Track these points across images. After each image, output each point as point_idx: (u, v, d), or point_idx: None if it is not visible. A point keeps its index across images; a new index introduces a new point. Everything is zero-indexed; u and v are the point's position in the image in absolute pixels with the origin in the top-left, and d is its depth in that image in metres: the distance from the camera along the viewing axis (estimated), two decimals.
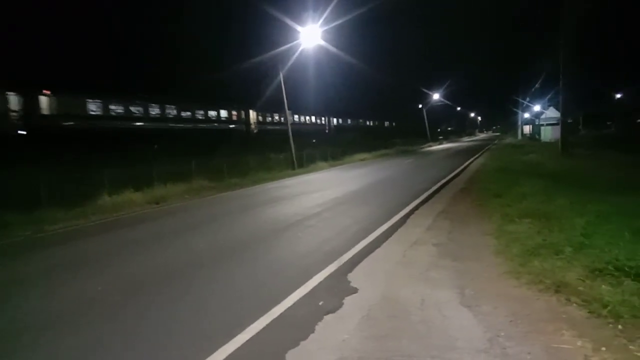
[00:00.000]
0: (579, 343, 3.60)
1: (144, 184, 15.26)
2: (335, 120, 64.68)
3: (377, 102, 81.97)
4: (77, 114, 28.15)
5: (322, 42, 23.69)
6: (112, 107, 30.85)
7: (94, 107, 29.63)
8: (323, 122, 61.62)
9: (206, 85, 38.63)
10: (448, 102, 79.37)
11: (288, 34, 22.97)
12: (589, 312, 4.11)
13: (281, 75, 25.29)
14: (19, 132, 24.97)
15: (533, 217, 7.76)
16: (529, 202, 9.06)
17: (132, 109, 32.32)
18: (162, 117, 35.09)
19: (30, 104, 25.80)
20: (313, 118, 58.97)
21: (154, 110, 34.47)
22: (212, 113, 40.42)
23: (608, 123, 58.63)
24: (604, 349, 3.47)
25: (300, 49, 23.61)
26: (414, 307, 4.58)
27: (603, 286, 4.48)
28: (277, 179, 20.86)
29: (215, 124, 40.21)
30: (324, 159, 29.69)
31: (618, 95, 66.60)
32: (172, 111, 36.17)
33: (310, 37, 22.90)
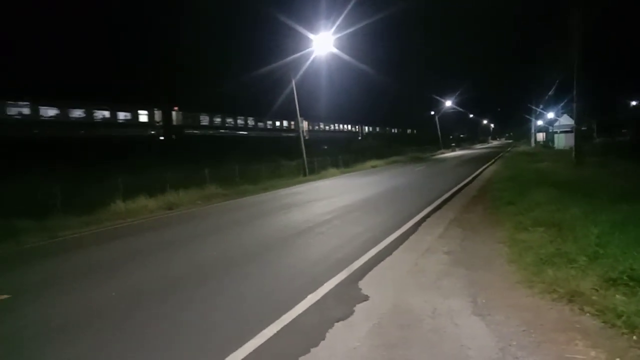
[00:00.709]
0: (593, 353, 3.56)
1: (157, 191, 15.49)
2: (367, 128, 70.42)
3: (391, 110, 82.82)
4: (193, 125, 40.12)
5: (335, 50, 23.84)
6: (214, 119, 43.14)
7: (202, 119, 41.59)
8: (356, 129, 71.16)
9: (224, 94, 40.24)
10: (460, 109, 79.48)
11: (301, 43, 23.18)
12: (603, 322, 4.05)
13: (293, 83, 25.41)
14: (160, 137, 35.73)
15: (546, 226, 7.69)
16: (542, 210, 8.97)
17: (225, 120, 44.81)
18: (245, 127, 46.71)
19: (166, 117, 36.64)
20: (348, 126, 69.78)
21: (239, 121, 46.57)
22: (277, 123, 52.18)
23: (623, 131, 57.85)
24: (618, 359, 3.42)
25: (312, 56, 23.75)
26: (426, 316, 4.56)
27: (617, 296, 4.42)
28: (288, 186, 20.92)
29: (280, 132, 51.80)
30: (336, 165, 29.72)
31: (633, 103, 65.80)
32: (250, 122, 47.21)
33: (323, 44, 23.05)
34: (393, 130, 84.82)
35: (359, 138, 67.79)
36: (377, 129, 78.10)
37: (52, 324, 4.98)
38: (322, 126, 59.93)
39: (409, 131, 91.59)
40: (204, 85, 42.22)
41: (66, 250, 9.33)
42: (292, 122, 51.02)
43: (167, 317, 4.99)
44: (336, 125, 65.27)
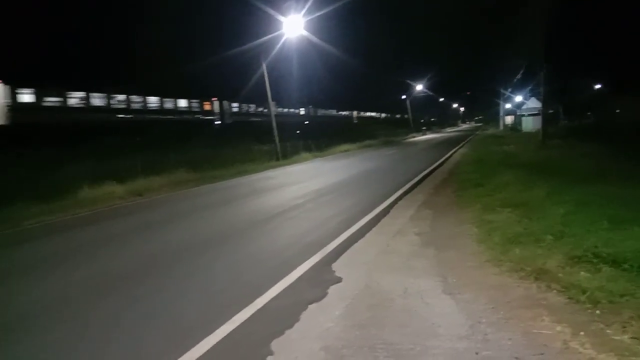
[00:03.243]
0: (558, 328, 3.67)
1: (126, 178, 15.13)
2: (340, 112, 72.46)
3: (363, 94, 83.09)
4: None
5: (305, 33, 23.59)
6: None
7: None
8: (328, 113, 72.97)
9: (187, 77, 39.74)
10: (431, 93, 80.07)
11: (271, 25, 22.83)
12: (568, 298, 4.17)
13: (264, 66, 25.08)
14: None
15: (513, 206, 7.85)
16: (509, 191, 9.16)
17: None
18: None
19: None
20: (321, 110, 72.11)
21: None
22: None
23: (588, 113, 59.39)
24: (582, 333, 3.53)
25: (283, 39, 23.43)
26: (397, 296, 4.61)
27: (582, 273, 4.56)
28: (260, 171, 20.79)
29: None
30: (308, 150, 29.67)
31: (598, 86, 67.47)
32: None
33: (294, 27, 22.74)
34: (365, 114, 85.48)
35: (354, 122, 69.27)
36: (350, 112, 78.58)
37: (16, 313, 4.85)
38: (294, 110, 60.13)
39: (381, 115, 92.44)
40: (167, 67, 41.76)
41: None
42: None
43: (132, 307, 4.91)
44: (309, 109, 65.33)
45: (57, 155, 17.44)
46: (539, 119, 28.76)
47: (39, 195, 12.18)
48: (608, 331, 3.52)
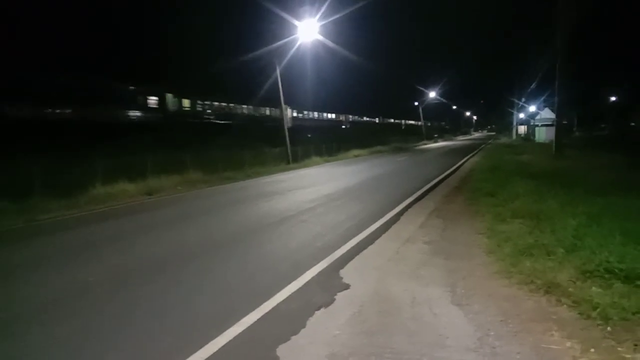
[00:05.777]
0: (568, 344, 3.62)
1: (137, 176, 15.27)
2: (351, 117, 75.55)
3: (375, 100, 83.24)
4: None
5: (320, 37, 23.64)
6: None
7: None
8: (340, 118, 72.58)
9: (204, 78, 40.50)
10: (444, 101, 79.96)
11: (286, 29, 22.92)
12: (578, 314, 4.12)
13: (278, 71, 25.14)
14: None
15: (525, 217, 7.78)
16: (521, 202, 9.07)
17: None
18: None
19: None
20: (332, 115, 72.02)
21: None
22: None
23: (602, 125, 58.88)
24: (592, 350, 3.49)
25: (298, 43, 23.49)
26: (405, 305, 4.59)
27: (593, 288, 4.50)
28: (271, 174, 20.85)
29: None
30: (319, 154, 29.70)
31: (613, 98, 66.81)
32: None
33: (308, 31, 22.82)
34: (377, 120, 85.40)
35: (343, 127, 69.24)
36: (362, 118, 78.58)
37: (31, 307, 4.90)
38: (306, 114, 60.29)
39: (392, 121, 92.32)
40: (187, 71, 42.59)
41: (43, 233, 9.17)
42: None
43: (140, 307, 4.93)
44: (320, 113, 65.48)
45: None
46: (552, 129, 28.51)
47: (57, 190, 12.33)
48: (619, 349, 3.47)
